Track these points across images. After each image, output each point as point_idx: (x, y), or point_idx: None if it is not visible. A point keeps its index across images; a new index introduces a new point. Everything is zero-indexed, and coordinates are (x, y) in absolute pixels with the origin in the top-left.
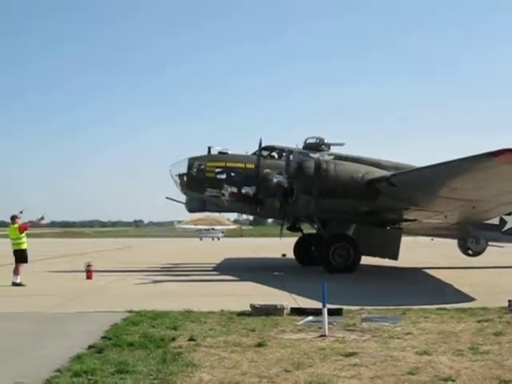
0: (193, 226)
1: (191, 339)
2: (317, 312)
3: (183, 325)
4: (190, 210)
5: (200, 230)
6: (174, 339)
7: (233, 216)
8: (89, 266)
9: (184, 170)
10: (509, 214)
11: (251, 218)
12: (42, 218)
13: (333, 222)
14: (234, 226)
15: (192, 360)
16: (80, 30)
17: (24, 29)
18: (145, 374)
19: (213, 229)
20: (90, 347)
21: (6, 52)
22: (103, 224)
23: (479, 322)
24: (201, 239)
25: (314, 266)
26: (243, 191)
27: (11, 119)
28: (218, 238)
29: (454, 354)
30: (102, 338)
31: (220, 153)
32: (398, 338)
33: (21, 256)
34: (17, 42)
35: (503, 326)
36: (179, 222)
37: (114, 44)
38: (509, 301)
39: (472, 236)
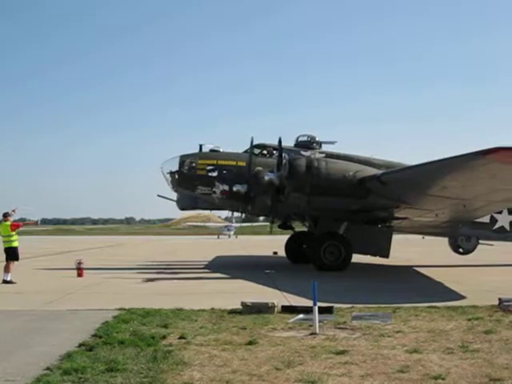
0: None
1: (182, 337)
2: (307, 310)
3: (174, 323)
4: (182, 208)
5: (221, 227)
6: (164, 337)
7: (224, 214)
8: (79, 263)
9: (175, 167)
10: (499, 213)
11: (243, 215)
12: (37, 223)
13: (324, 220)
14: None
15: (182, 358)
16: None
17: None
18: (135, 372)
19: (231, 226)
20: (81, 345)
21: None
22: (94, 221)
23: (469, 320)
24: (218, 237)
25: (305, 264)
26: (234, 189)
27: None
28: (229, 236)
29: (444, 353)
30: (93, 335)
31: (211, 150)
32: (389, 336)
33: (12, 254)
34: None
35: (493, 324)
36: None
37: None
38: (499, 299)
39: (462, 234)
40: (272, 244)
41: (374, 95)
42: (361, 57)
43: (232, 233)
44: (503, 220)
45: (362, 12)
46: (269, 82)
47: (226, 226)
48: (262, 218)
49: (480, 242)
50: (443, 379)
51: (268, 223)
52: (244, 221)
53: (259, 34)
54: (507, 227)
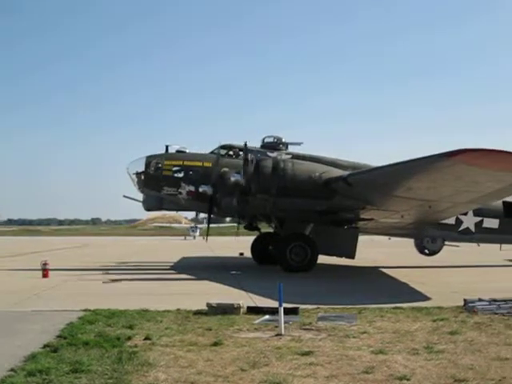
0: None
1: (147, 338)
2: (273, 311)
3: (139, 324)
4: (147, 209)
5: (188, 228)
6: (129, 338)
7: (190, 215)
8: (45, 264)
9: (141, 168)
10: (464, 214)
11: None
12: None
13: (290, 221)
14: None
15: (147, 359)
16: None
17: None
18: (100, 373)
19: (196, 227)
20: (45, 346)
21: None
22: (60, 222)
23: (434, 321)
24: (185, 238)
25: (271, 265)
26: (200, 190)
27: None
28: (194, 237)
29: (409, 353)
30: (58, 336)
31: (178, 151)
32: (354, 337)
33: None
34: None
35: (458, 325)
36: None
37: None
38: (464, 300)
39: (428, 235)
40: (238, 245)
41: (340, 95)
42: (324, 57)
43: (197, 234)
44: (468, 221)
45: (326, 13)
46: (236, 83)
47: (191, 227)
48: (228, 219)
49: (446, 243)
50: (408, 380)
51: (234, 224)
52: (211, 221)
53: (233, 34)
54: (472, 228)
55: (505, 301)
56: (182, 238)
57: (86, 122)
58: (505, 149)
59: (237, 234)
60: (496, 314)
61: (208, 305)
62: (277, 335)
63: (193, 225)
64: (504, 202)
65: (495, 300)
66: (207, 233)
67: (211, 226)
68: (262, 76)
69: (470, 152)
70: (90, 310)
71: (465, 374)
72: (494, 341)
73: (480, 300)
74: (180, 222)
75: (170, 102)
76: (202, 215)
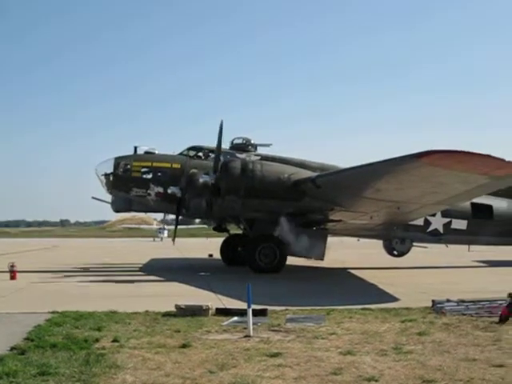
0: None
1: (115, 340)
2: (242, 312)
3: (107, 326)
4: (116, 210)
5: (156, 229)
6: (97, 340)
7: (160, 216)
8: (12, 266)
9: (110, 169)
10: (433, 215)
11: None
12: None
13: (259, 222)
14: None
15: (115, 361)
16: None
17: None
18: (67, 375)
19: (163, 228)
20: (12, 349)
21: None
22: (29, 224)
23: (403, 322)
24: (154, 239)
25: (240, 267)
26: (169, 191)
27: None
28: (161, 239)
29: (378, 354)
30: (25, 339)
31: (146, 152)
32: (323, 339)
33: None
34: None
35: (426, 326)
36: None
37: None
38: (432, 301)
39: (397, 237)
40: (207, 246)
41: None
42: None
43: (165, 235)
44: (437, 222)
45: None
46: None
47: (159, 229)
48: (197, 221)
49: (414, 244)
50: (376, 381)
51: (204, 226)
52: (180, 223)
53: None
54: (441, 229)
55: (473, 302)
56: (151, 239)
57: (56, 124)
58: (470, 150)
59: (207, 236)
60: (464, 314)
61: (177, 306)
62: (245, 337)
63: (161, 226)
64: (472, 204)
65: (463, 301)
66: (174, 234)
67: (181, 227)
68: (227, 79)
69: (435, 153)
70: (57, 312)
71: (433, 374)
72: (462, 342)
73: (448, 301)
74: (149, 224)
75: (144, 105)
76: (171, 216)
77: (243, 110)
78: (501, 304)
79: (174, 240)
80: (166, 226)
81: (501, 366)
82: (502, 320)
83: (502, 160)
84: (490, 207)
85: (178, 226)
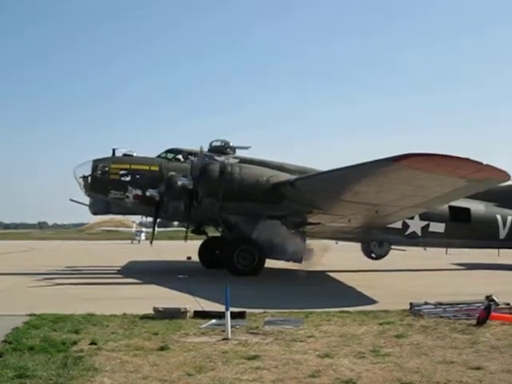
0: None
1: (93, 343)
2: (220, 315)
3: (85, 328)
4: (94, 213)
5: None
6: (75, 343)
7: (139, 219)
8: None
9: (88, 171)
10: (411, 218)
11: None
12: None
13: (237, 225)
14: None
15: (93, 364)
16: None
17: None
18: (45, 378)
19: (141, 231)
20: None
21: None
22: (6, 226)
23: (381, 324)
24: (132, 242)
25: (218, 269)
26: (147, 194)
27: None
28: (139, 241)
29: (356, 357)
30: (2, 341)
31: (125, 155)
32: (301, 341)
33: None
34: None
35: (404, 328)
36: None
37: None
38: (410, 303)
39: (375, 239)
40: (186, 249)
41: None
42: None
43: (142, 238)
44: (415, 226)
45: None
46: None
47: (136, 231)
48: (176, 223)
49: (392, 247)
50: (354, 383)
51: (183, 228)
52: (159, 226)
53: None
54: (419, 232)
55: (450, 304)
56: (130, 241)
57: (41, 126)
58: (449, 153)
59: (185, 239)
60: (442, 317)
61: (155, 309)
62: (223, 339)
63: (138, 229)
64: (450, 207)
65: (441, 303)
66: (152, 236)
67: (159, 230)
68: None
69: (414, 156)
70: (35, 315)
71: (411, 377)
72: (439, 344)
73: (426, 303)
74: (128, 226)
75: (121, 111)
76: (150, 219)
77: (221, 114)
78: (478, 307)
79: (151, 242)
80: (143, 229)
81: (478, 368)
82: (480, 323)
83: (480, 163)
84: (467, 210)
85: (157, 229)
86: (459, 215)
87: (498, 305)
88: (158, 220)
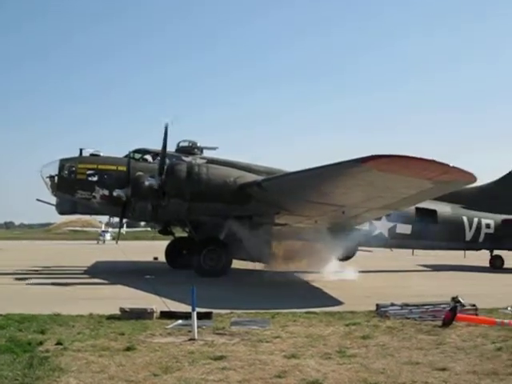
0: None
1: (59, 343)
2: (186, 316)
3: (51, 328)
4: (61, 212)
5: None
6: (41, 343)
7: (106, 219)
8: None
9: (55, 171)
10: (378, 220)
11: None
12: None
13: (204, 225)
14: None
15: (59, 364)
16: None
17: None
18: (10, 378)
19: (107, 231)
20: None
21: None
22: None
23: (347, 325)
24: (98, 242)
25: (185, 270)
26: (114, 194)
27: None
28: (104, 241)
29: (322, 358)
30: None
31: (92, 155)
32: (267, 342)
33: None
34: None
35: (370, 329)
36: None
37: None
38: (376, 305)
39: None
40: (153, 249)
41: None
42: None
43: (108, 238)
44: (382, 227)
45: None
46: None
47: (102, 231)
48: (143, 224)
49: (359, 248)
50: None
51: (150, 228)
52: (126, 226)
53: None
54: (386, 234)
55: (416, 306)
56: (95, 242)
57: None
58: (416, 155)
59: (153, 239)
60: (408, 318)
61: (121, 309)
62: (190, 340)
63: (104, 229)
64: (417, 208)
65: (407, 305)
66: (118, 236)
67: (127, 230)
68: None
69: (380, 158)
70: (1, 315)
71: (376, 377)
72: (405, 345)
73: (392, 305)
74: (95, 226)
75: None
76: (117, 219)
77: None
78: (444, 308)
79: (117, 241)
80: (109, 229)
81: (443, 369)
82: (445, 324)
83: (447, 165)
84: (434, 212)
85: (124, 229)
86: (426, 217)
87: (463, 306)
88: (125, 220)
